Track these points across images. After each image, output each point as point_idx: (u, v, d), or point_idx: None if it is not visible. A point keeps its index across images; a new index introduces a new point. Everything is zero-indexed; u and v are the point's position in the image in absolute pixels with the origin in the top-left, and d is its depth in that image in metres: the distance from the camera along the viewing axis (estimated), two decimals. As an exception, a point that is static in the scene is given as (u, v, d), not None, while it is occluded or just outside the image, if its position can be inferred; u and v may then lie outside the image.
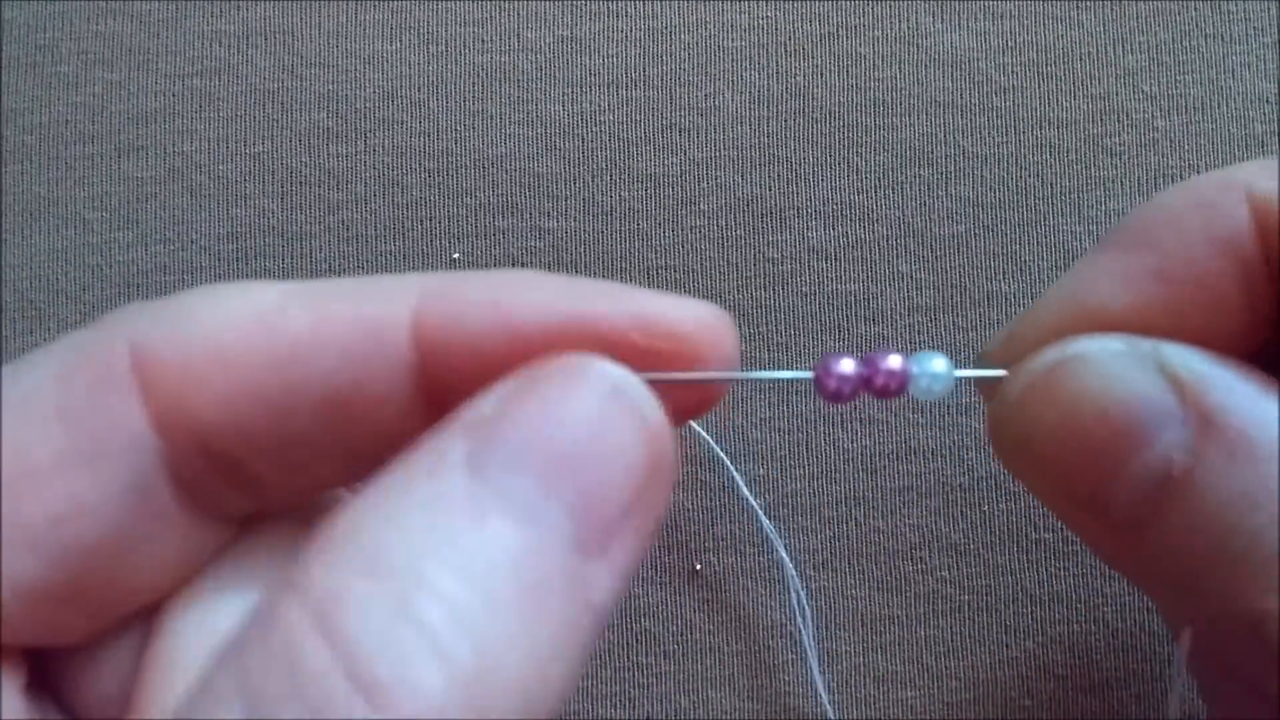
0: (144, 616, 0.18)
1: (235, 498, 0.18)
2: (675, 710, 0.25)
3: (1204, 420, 0.16)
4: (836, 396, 0.19)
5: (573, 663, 0.14)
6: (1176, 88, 0.27)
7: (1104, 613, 0.26)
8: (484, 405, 0.15)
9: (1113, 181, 0.27)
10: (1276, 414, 0.16)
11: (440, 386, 0.17)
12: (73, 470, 0.16)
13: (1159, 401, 0.17)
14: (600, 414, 0.15)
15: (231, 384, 0.16)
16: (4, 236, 0.26)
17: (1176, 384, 0.17)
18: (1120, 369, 0.17)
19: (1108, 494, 0.17)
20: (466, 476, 0.14)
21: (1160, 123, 0.27)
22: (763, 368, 0.26)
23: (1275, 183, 0.16)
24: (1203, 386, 0.17)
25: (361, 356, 0.17)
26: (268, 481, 0.17)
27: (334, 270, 0.26)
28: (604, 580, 0.15)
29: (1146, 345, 0.17)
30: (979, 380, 0.20)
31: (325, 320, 0.17)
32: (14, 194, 0.27)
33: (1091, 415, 0.17)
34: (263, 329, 0.16)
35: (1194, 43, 0.27)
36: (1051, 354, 0.18)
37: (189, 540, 0.17)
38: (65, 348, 0.17)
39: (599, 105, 0.27)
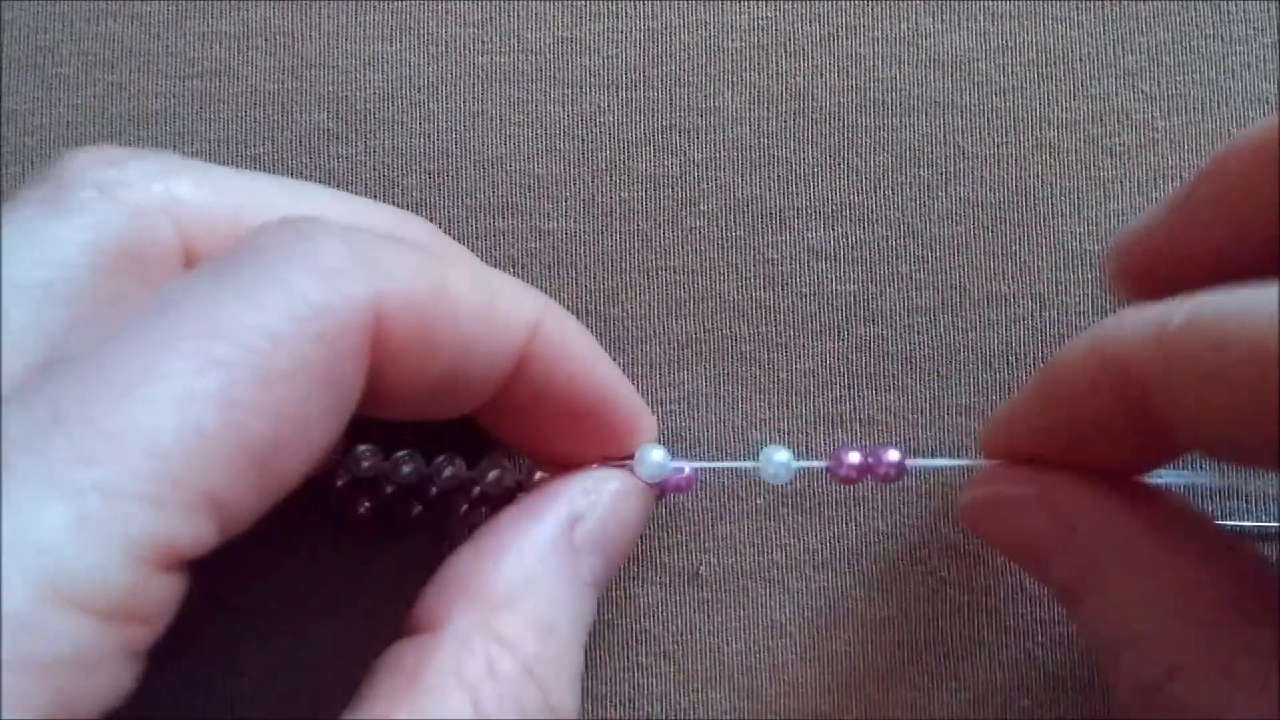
0: None
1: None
2: (675, 710, 0.25)
3: (1086, 554, 0.21)
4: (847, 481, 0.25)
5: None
6: (1176, 88, 0.27)
7: (1104, 613, 0.26)
8: (579, 498, 0.23)
9: (1113, 181, 0.27)
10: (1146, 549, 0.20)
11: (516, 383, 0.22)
12: (323, 431, 0.18)
13: (1053, 539, 0.22)
14: (639, 514, 0.24)
15: (430, 362, 0.20)
16: (5, 237, 0.26)
17: (1067, 524, 0.21)
18: (1023, 513, 0.22)
19: (1045, 580, 0.22)
20: (569, 559, 0.22)
21: (1160, 123, 0.27)
22: (762, 368, 0.26)
23: (1155, 353, 0.18)
24: (1082, 525, 0.21)
25: (506, 348, 0.21)
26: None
27: (334, 271, 0.26)
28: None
29: (1037, 488, 0.22)
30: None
31: (494, 312, 0.20)
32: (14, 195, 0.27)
33: (1010, 543, 0.23)
34: (457, 310, 0.20)
35: (1194, 43, 0.27)
36: (979, 490, 0.23)
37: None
38: (329, 313, 0.18)
39: (599, 106, 0.27)
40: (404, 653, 0.20)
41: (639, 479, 0.23)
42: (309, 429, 0.18)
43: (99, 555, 0.15)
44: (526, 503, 0.22)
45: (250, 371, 0.17)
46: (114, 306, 0.19)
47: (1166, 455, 0.21)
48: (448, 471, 0.24)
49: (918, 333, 0.26)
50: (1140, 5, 0.27)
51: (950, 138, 0.27)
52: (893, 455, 0.24)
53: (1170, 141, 0.27)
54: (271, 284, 0.17)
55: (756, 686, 0.26)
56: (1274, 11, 0.27)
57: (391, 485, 0.25)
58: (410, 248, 0.20)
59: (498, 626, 0.20)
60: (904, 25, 0.27)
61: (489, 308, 0.20)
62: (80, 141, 0.27)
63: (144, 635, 0.16)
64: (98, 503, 0.15)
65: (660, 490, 0.24)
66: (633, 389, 0.24)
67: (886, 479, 0.25)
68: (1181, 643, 0.19)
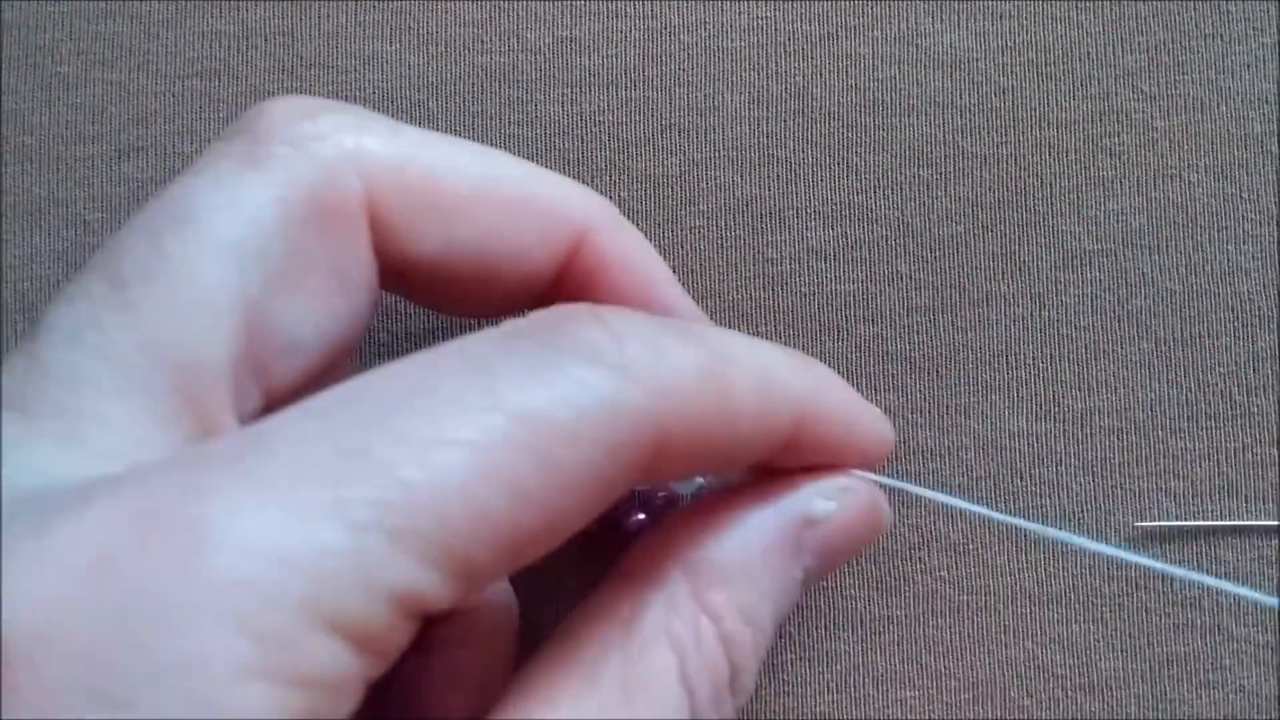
0: None
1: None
2: (675, 710, 0.25)
3: None
4: None
5: None
6: (1176, 88, 0.27)
7: (1104, 613, 0.26)
8: (818, 501, 0.21)
9: (1112, 181, 0.27)
10: None
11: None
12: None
13: None
14: (869, 530, 0.22)
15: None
16: (4, 236, 0.26)
17: None
18: None
19: None
20: (792, 555, 0.21)
21: (1160, 123, 0.27)
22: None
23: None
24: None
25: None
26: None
27: (334, 271, 0.26)
28: None
29: None
30: None
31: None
32: (14, 195, 0.27)
33: None
34: (738, 412, 0.19)
35: (1194, 43, 0.27)
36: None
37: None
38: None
39: (598, 106, 0.27)
40: (619, 599, 0.20)
41: (872, 489, 0.22)
42: (575, 526, 0.18)
43: (368, 594, 0.15)
44: (761, 488, 0.22)
45: (540, 469, 0.17)
46: (304, 263, 0.20)
47: None
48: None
49: (917, 333, 0.26)
50: (1140, 5, 0.27)
51: (950, 138, 0.27)
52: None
53: (1170, 141, 0.27)
54: (564, 375, 0.17)
55: (756, 686, 0.26)
56: (1274, 11, 0.27)
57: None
58: (694, 345, 0.19)
59: (709, 599, 0.20)
60: (904, 25, 0.27)
61: (765, 406, 0.20)
62: (80, 141, 0.27)
63: (381, 670, 0.16)
64: (381, 545, 0.15)
65: None
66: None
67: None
68: None
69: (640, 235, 0.23)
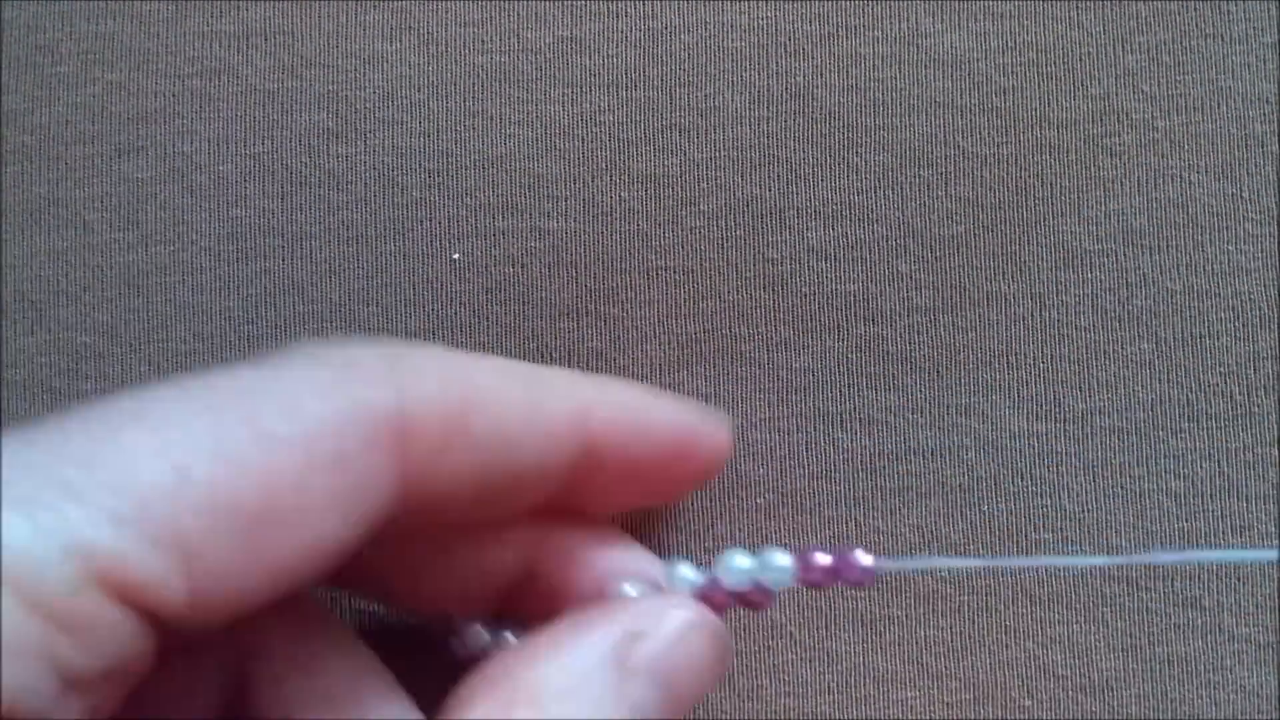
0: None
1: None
2: (675, 710, 0.25)
3: None
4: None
5: None
6: (1176, 88, 0.27)
7: (1104, 613, 0.26)
8: (630, 620, 0.20)
9: (1113, 181, 0.27)
10: None
11: (582, 472, 0.21)
12: (330, 516, 0.18)
13: None
14: (707, 659, 0.21)
15: (470, 466, 0.19)
16: (4, 236, 0.26)
17: None
18: None
19: None
20: (615, 675, 0.19)
21: (1160, 123, 0.27)
22: (762, 368, 0.26)
23: None
24: None
25: (559, 441, 0.20)
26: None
27: (334, 270, 0.26)
28: None
29: None
30: None
31: (539, 406, 0.20)
32: (13, 194, 0.27)
33: None
34: (495, 407, 0.19)
35: (1194, 43, 0.27)
36: None
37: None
38: (340, 393, 0.18)
39: (599, 106, 0.27)
40: None
41: (710, 614, 0.21)
42: (310, 508, 0.17)
43: (40, 544, 0.15)
44: (576, 615, 0.20)
45: (250, 433, 0.17)
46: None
47: None
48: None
49: (918, 333, 0.26)
50: (1140, 5, 0.27)
51: (950, 138, 0.27)
52: (865, 560, 0.22)
53: (1170, 141, 0.27)
54: (293, 371, 0.18)
55: (756, 686, 0.26)
56: (1274, 11, 0.27)
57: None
58: (438, 350, 0.20)
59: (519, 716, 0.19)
60: (904, 25, 0.27)
61: (528, 398, 0.20)
62: (80, 141, 0.27)
63: (77, 656, 0.15)
64: (55, 498, 0.15)
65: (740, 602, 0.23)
66: (692, 407, 0.23)
67: (858, 584, 0.23)
68: None
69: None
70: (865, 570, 0.22)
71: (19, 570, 0.14)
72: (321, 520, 0.17)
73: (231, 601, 0.17)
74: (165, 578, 0.16)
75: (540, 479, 0.21)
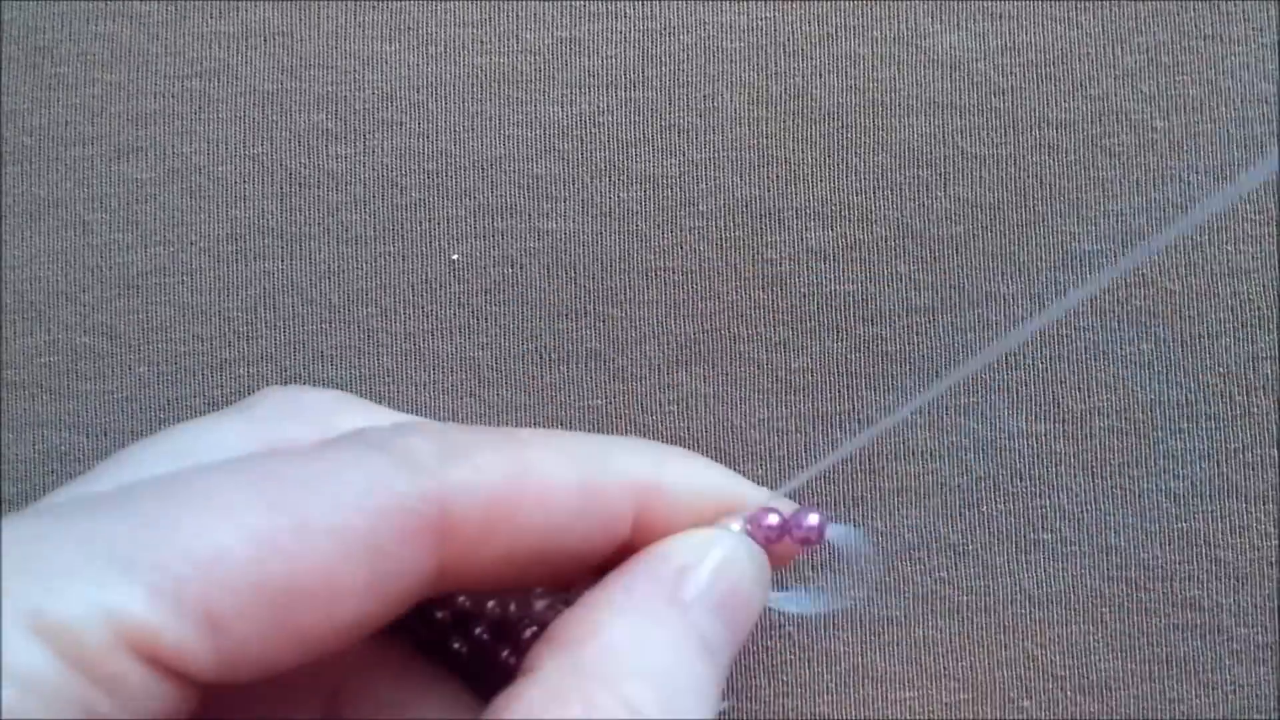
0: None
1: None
2: (674, 710, 0.25)
3: None
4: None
5: None
6: (1176, 88, 0.27)
7: (1103, 613, 0.26)
8: (675, 555, 0.20)
9: (1112, 182, 0.27)
10: None
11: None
12: (366, 598, 0.19)
13: None
14: (752, 578, 0.21)
15: (509, 551, 0.20)
16: (4, 237, 0.27)
17: None
18: None
19: None
20: (674, 611, 0.19)
21: (1160, 123, 0.27)
22: (761, 368, 0.26)
23: None
24: None
25: (610, 522, 0.21)
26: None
27: (334, 271, 0.26)
28: (724, 680, 0.20)
29: None
30: None
31: (591, 488, 0.20)
32: (13, 195, 0.27)
33: None
34: (544, 497, 0.20)
35: (1193, 43, 0.27)
36: None
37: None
38: (385, 488, 0.19)
39: (597, 106, 0.27)
40: (496, 704, 0.19)
41: (743, 536, 0.21)
42: (341, 591, 0.18)
43: (82, 610, 0.16)
44: (627, 564, 0.21)
45: (290, 521, 0.18)
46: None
47: None
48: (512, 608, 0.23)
49: (917, 333, 0.26)
50: (1140, 5, 0.27)
51: (950, 138, 0.27)
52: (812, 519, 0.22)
53: (1170, 141, 0.27)
54: (345, 459, 0.19)
55: (756, 686, 0.26)
56: (1274, 11, 0.27)
57: (481, 625, 0.24)
58: (491, 435, 0.20)
59: (594, 670, 0.19)
60: (903, 25, 0.27)
61: (581, 484, 0.20)
62: (80, 141, 0.27)
63: (108, 708, 0.17)
64: (101, 571, 0.17)
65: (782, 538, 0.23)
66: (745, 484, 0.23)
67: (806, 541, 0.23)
68: None
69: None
70: (811, 528, 0.22)
71: (64, 632, 0.16)
72: (353, 602, 0.18)
73: (258, 667, 0.18)
74: (192, 645, 0.17)
75: (590, 554, 0.21)
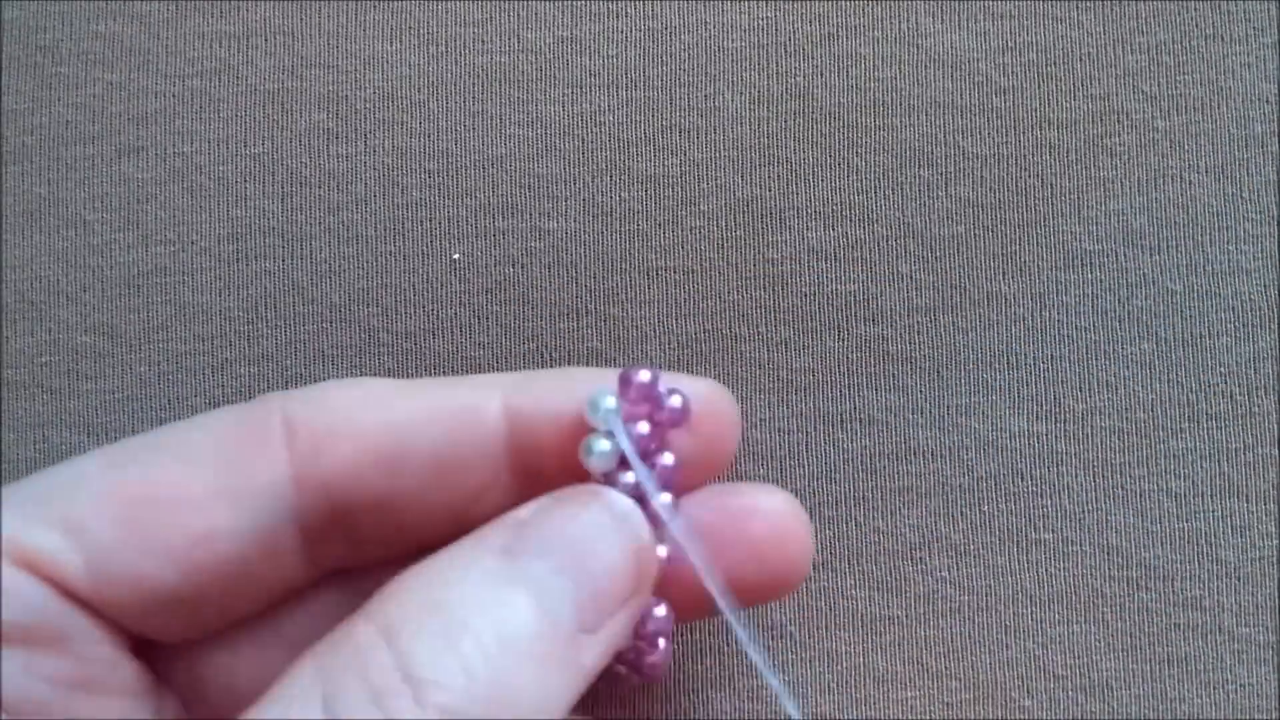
0: (249, 626, 0.23)
1: (340, 549, 0.22)
2: (675, 710, 0.25)
3: None
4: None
5: (562, 705, 0.19)
6: (1176, 88, 0.27)
7: (1104, 613, 0.26)
8: (522, 511, 0.20)
9: (1112, 181, 0.27)
10: None
11: (528, 467, 0.22)
12: (217, 504, 0.21)
13: None
14: (605, 529, 0.20)
15: (356, 449, 0.21)
16: (4, 236, 0.26)
17: None
18: None
19: None
20: (502, 560, 0.19)
21: (1160, 123, 0.27)
22: (762, 368, 0.26)
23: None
24: None
25: (461, 432, 0.22)
26: (373, 538, 0.22)
27: (334, 270, 0.26)
28: (594, 650, 0.20)
29: None
30: None
31: (431, 403, 0.22)
32: (14, 194, 0.27)
33: None
34: (382, 407, 0.22)
35: (1194, 43, 0.27)
36: None
37: (295, 575, 0.22)
38: (231, 413, 0.22)
39: (599, 106, 0.27)
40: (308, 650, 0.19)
41: (612, 493, 0.21)
42: (190, 495, 0.21)
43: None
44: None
45: (140, 445, 0.21)
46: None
47: None
48: None
49: (918, 333, 0.26)
50: (1140, 5, 0.27)
51: (950, 138, 0.27)
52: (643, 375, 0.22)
53: (1170, 141, 0.27)
54: (215, 414, 0.22)
55: (757, 686, 0.26)
56: (1274, 11, 0.27)
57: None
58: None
59: (382, 617, 0.18)
60: (904, 25, 0.27)
61: (432, 401, 0.22)
62: (80, 141, 0.27)
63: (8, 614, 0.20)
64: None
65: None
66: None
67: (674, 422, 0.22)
68: None
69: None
70: (676, 408, 0.22)
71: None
72: (206, 507, 0.21)
73: (131, 580, 0.20)
74: (61, 549, 0.20)
75: (465, 464, 0.22)
